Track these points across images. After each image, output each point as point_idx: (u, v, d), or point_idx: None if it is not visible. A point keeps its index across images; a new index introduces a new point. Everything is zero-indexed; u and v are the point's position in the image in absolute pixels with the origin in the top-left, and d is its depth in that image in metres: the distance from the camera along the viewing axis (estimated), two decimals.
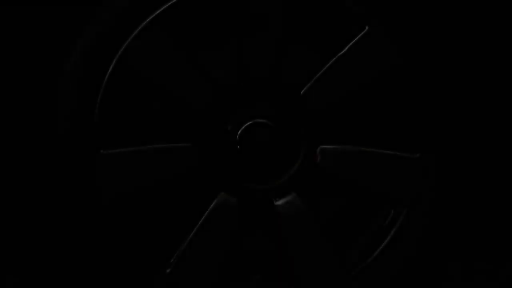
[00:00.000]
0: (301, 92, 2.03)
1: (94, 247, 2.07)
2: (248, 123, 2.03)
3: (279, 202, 2.07)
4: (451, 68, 2.07)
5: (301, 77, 2.09)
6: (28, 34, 2.02)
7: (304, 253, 2.08)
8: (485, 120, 2.11)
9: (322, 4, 2.03)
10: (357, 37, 2.01)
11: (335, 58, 2.02)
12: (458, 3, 2.05)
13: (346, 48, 2.02)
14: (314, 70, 2.05)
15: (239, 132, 2.03)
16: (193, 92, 2.02)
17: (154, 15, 1.99)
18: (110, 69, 2.00)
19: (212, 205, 2.05)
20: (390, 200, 2.11)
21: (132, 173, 2.03)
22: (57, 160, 2.04)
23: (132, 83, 2.04)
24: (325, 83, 2.03)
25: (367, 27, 2.01)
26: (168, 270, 2.06)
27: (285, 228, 2.07)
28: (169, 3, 1.99)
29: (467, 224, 2.25)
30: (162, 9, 1.99)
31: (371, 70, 2.03)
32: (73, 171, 2.03)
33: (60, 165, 2.04)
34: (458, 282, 2.46)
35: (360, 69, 2.03)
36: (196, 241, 2.06)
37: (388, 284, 2.12)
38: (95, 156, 2.02)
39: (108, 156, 2.02)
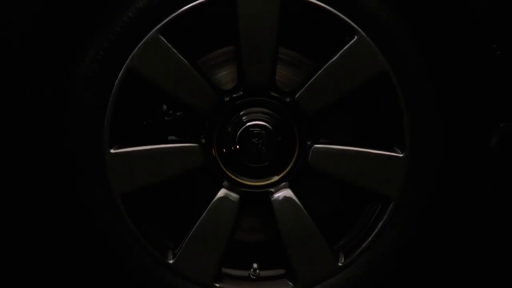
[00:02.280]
0: (295, 96, 2.04)
1: (105, 239, 2.09)
2: (246, 125, 2.05)
3: (275, 197, 2.09)
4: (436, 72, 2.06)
5: (295, 83, 2.12)
6: (44, 39, 2.02)
7: (298, 244, 2.08)
8: (468, 123, 2.10)
9: (315, 15, 2.04)
10: (347, 45, 2.01)
11: (326, 65, 2.01)
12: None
13: (336, 56, 2.01)
14: (307, 76, 2.06)
15: (238, 133, 2.05)
16: (197, 97, 2.03)
17: (159, 25, 1.99)
18: (119, 76, 2.01)
19: (213, 200, 2.08)
20: (377, 196, 2.10)
21: (139, 171, 2.05)
22: (71, 159, 2.05)
23: (140, 88, 2.04)
24: (317, 88, 2.03)
25: (356, 36, 2.01)
26: (172, 261, 2.09)
27: (280, 221, 2.07)
28: (174, 15, 1.99)
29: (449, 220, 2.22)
30: (166, 20, 1.99)
31: (360, 75, 2.03)
32: (85, 169, 2.04)
33: (74, 163, 2.05)
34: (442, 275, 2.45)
35: (349, 74, 2.03)
36: (199, 233, 2.08)
37: (373, 273, 2.11)
38: (105, 155, 2.03)
39: (118, 155, 2.04)
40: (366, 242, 2.11)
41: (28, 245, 2.49)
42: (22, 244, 2.48)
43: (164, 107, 2.16)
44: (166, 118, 2.16)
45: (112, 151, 2.04)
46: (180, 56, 2.01)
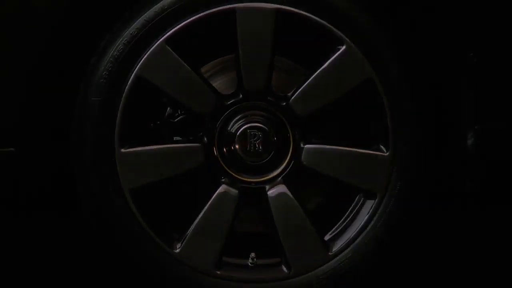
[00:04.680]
0: (289, 100, 2.11)
1: (115, 231, 2.12)
2: (245, 126, 2.11)
3: (271, 192, 2.13)
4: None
5: (289, 88, 2.15)
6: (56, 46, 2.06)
7: (291, 235, 2.12)
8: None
9: (308, 27, 2.09)
10: (336, 54, 2.07)
11: (317, 72, 2.07)
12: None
13: (327, 63, 2.07)
14: (300, 82, 2.11)
15: (237, 134, 2.11)
16: (200, 101, 2.09)
17: (165, 36, 2.05)
18: (129, 82, 2.06)
19: (214, 195, 2.12)
20: (364, 191, 2.15)
21: (147, 169, 2.09)
22: (84, 158, 2.09)
23: (148, 93, 2.09)
24: (309, 93, 2.09)
25: (344, 45, 2.07)
26: (177, 251, 2.13)
27: (275, 214, 2.12)
28: (178, 26, 2.05)
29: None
30: (171, 31, 2.05)
31: (347, 81, 2.08)
32: (98, 167, 2.09)
33: (87, 162, 2.09)
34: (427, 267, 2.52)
35: (338, 80, 2.08)
36: (201, 225, 2.12)
37: (360, 261, 2.15)
38: (116, 154, 2.08)
39: (128, 154, 2.09)
40: (353, 233, 2.15)
41: (40, 239, 2.60)
42: (32, 239, 2.58)
43: (170, 110, 2.21)
44: (171, 120, 2.20)
45: (122, 150, 2.09)
46: (184, 64, 2.07)
